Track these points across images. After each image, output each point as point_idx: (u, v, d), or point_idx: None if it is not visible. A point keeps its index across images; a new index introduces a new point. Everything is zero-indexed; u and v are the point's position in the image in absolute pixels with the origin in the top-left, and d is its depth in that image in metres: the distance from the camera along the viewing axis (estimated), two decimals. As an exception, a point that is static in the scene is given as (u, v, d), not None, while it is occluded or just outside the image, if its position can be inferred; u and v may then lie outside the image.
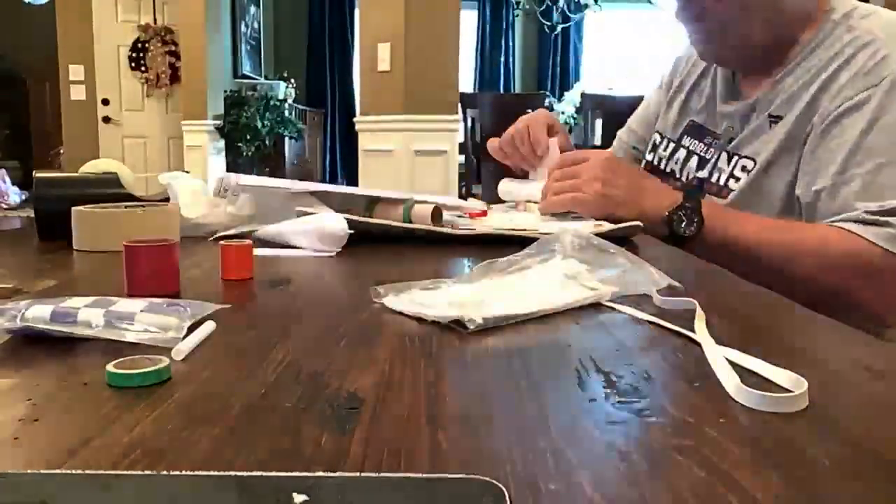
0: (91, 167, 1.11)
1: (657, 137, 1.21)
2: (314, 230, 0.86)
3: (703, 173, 1.07)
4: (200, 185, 0.99)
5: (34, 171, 0.97)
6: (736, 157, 1.03)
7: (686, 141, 1.14)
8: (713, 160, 1.07)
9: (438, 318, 0.51)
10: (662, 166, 1.17)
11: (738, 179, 1.01)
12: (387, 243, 0.90)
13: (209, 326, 0.49)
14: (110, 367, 0.40)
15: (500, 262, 0.66)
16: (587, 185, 0.96)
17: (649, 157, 1.22)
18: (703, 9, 1.00)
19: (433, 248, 0.87)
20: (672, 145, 1.17)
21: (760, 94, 1.02)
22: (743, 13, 0.98)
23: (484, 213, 1.09)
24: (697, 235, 0.89)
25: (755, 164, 0.99)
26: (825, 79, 0.94)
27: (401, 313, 0.54)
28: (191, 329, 0.49)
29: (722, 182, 1.04)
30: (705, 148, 1.10)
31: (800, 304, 0.82)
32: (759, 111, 1.02)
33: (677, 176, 1.13)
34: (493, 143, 1.27)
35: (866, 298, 0.85)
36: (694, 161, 1.11)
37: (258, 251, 0.74)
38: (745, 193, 1.00)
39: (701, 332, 0.49)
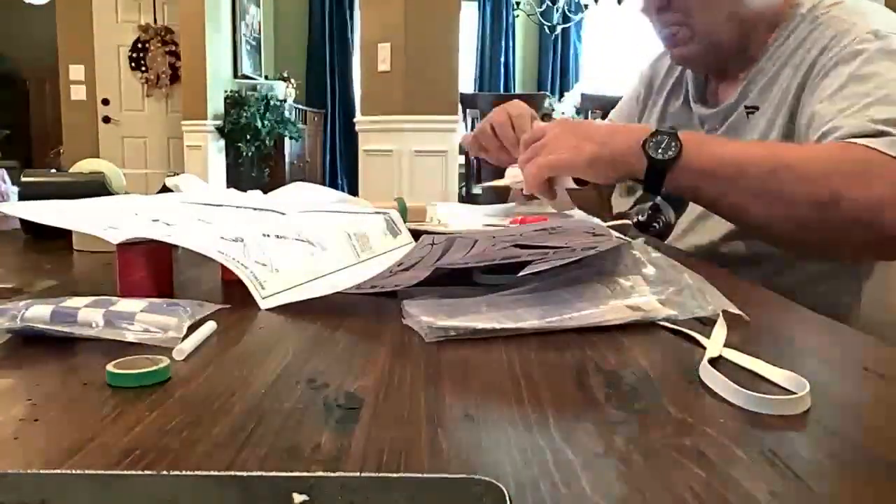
0: (81, 167, 1.11)
1: None
2: None
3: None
4: (206, 186, 0.99)
5: (23, 172, 0.98)
6: None
7: None
8: None
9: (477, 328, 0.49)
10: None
11: None
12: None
13: (210, 326, 0.49)
14: (110, 367, 0.40)
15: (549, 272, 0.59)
16: (557, 143, 0.90)
17: None
18: (669, 3, 1.00)
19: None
20: None
21: (736, 93, 1.03)
22: (707, 3, 0.99)
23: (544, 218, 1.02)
24: (678, 161, 0.82)
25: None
26: (796, 64, 0.95)
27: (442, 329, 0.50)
28: (191, 329, 0.49)
29: None
30: None
31: (782, 225, 0.80)
32: (736, 107, 1.03)
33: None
34: (466, 139, 1.25)
35: (855, 197, 0.77)
36: None
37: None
38: None
39: (715, 342, 0.47)
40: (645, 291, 0.57)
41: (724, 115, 1.05)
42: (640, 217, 1.10)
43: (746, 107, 1.01)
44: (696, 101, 1.12)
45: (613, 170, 0.87)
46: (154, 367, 0.40)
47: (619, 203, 1.19)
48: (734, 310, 0.54)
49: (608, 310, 0.53)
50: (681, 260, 0.63)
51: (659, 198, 1.06)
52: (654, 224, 1.07)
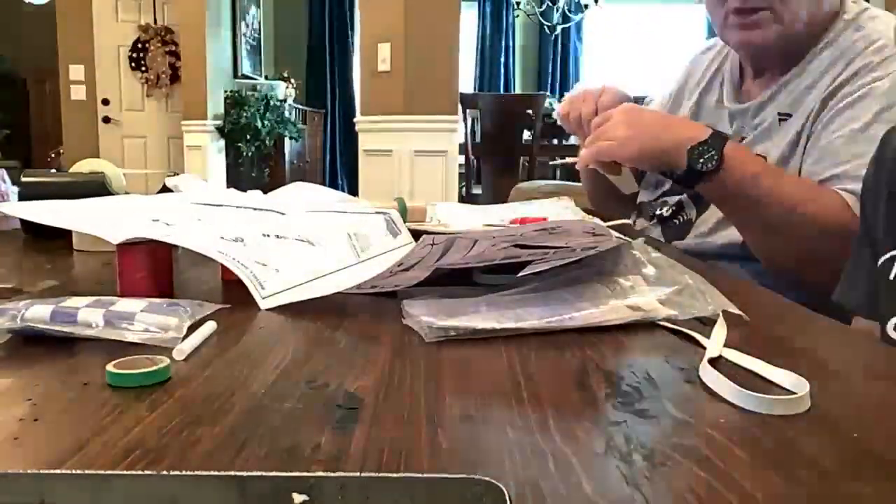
0: (81, 167, 1.11)
1: None
2: None
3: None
4: (206, 186, 0.99)
5: (23, 172, 0.98)
6: None
7: None
8: None
9: (479, 327, 0.49)
10: None
11: None
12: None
13: (210, 326, 0.49)
14: (110, 367, 0.40)
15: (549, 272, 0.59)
16: (614, 131, 0.96)
17: None
18: None
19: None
20: None
21: (769, 93, 1.03)
22: None
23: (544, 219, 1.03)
24: (714, 174, 0.88)
25: (765, 160, 0.99)
26: (833, 76, 0.95)
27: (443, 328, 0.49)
28: (191, 329, 0.49)
29: None
30: None
31: (795, 258, 0.85)
32: (767, 110, 1.03)
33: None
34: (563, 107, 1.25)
35: (831, 257, 0.84)
36: None
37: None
38: None
39: (714, 342, 0.47)
40: (645, 291, 0.57)
41: (752, 114, 1.05)
42: (663, 211, 1.11)
43: (780, 114, 1.00)
44: (730, 97, 1.12)
45: (656, 162, 0.95)
46: (154, 368, 0.40)
47: (644, 194, 1.19)
48: (734, 310, 0.54)
49: (608, 310, 0.53)
50: (681, 260, 0.63)
51: (685, 195, 1.07)
52: (676, 220, 1.08)
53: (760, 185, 0.89)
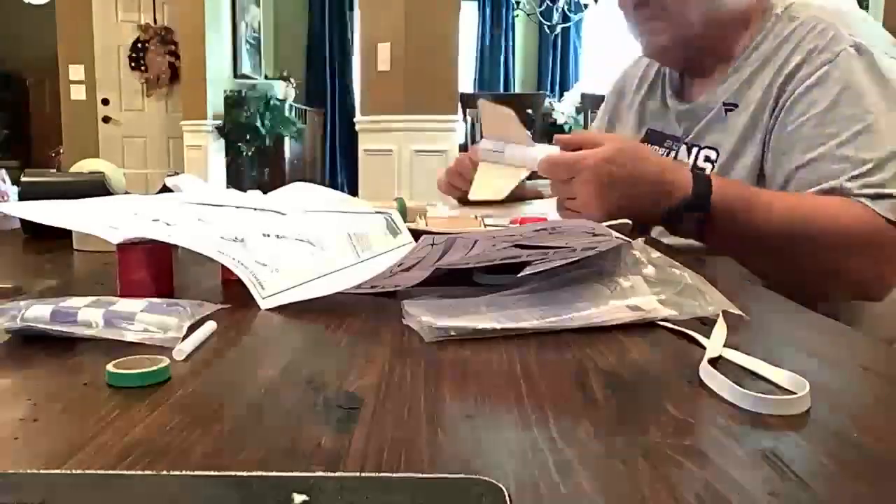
0: (81, 167, 1.11)
1: None
2: None
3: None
4: (206, 185, 0.99)
5: (23, 172, 0.98)
6: (696, 149, 1.05)
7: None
8: (673, 156, 1.09)
9: (476, 328, 0.49)
10: None
11: (703, 170, 1.03)
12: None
13: (210, 326, 0.49)
14: (110, 367, 0.40)
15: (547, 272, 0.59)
16: (585, 199, 0.86)
17: None
18: None
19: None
20: None
21: (712, 91, 1.05)
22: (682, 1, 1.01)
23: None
24: (701, 232, 0.89)
25: (718, 153, 1.02)
26: (779, 64, 0.96)
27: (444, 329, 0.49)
28: (191, 329, 0.49)
29: None
30: (666, 151, 1.12)
31: (792, 282, 0.83)
32: (712, 103, 1.04)
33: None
34: (440, 182, 1.24)
35: (862, 268, 0.87)
36: None
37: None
38: None
39: (714, 342, 0.47)
40: (645, 291, 0.57)
41: (700, 113, 1.06)
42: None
43: (725, 104, 1.02)
44: (673, 97, 1.14)
45: (641, 221, 0.90)
46: (154, 367, 0.40)
47: None
48: (734, 310, 0.54)
49: (608, 310, 0.53)
50: (681, 260, 0.63)
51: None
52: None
53: (762, 231, 0.87)
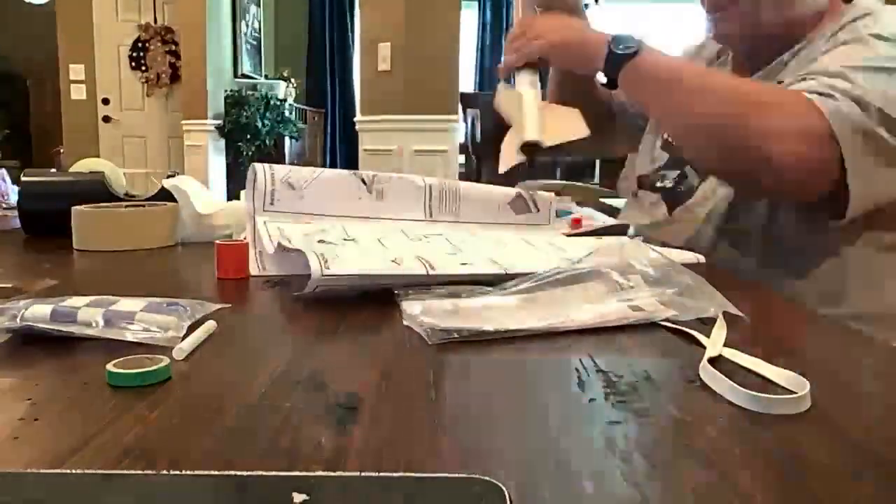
0: (81, 166, 1.11)
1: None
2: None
3: None
4: (202, 186, 0.99)
5: (23, 172, 0.98)
6: None
7: None
8: None
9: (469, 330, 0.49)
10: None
11: None
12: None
13: (210, 326, 0.49)
14: (110, 367, 0.40)
15: (547, 274, 0.59)
16: (542, 26, 1.00)
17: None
18: None
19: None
20: None
21: (769, 70, 1.05)
22: None
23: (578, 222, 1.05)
24: (631, 59, 0.92)
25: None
26: (823, 52, 0.96)
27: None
28: (191, 329, 0.49)
29: None
30: None
31: (696, 138, 0.88)
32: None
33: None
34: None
35: (753, 124, 0.84)
36: None
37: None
38: None
39: (714, 342, 0.47)
40: (646, 292, 0.57)
41: None
42: (665, 183, 1.11)
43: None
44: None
45: (576, 54, 0.98)
46: (154, 367, 0.40)
47: (642, 167, 1.20)
48: (734, 311, 0.54)
49: (609, 311, 0.53)
50: (681, 261, 0.63)
51: (687, 167, 1.07)
52: (679, 188, 1.09)
53: (684, 71, 0.93)
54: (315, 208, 0.76)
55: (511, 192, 0.93)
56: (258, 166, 0.76)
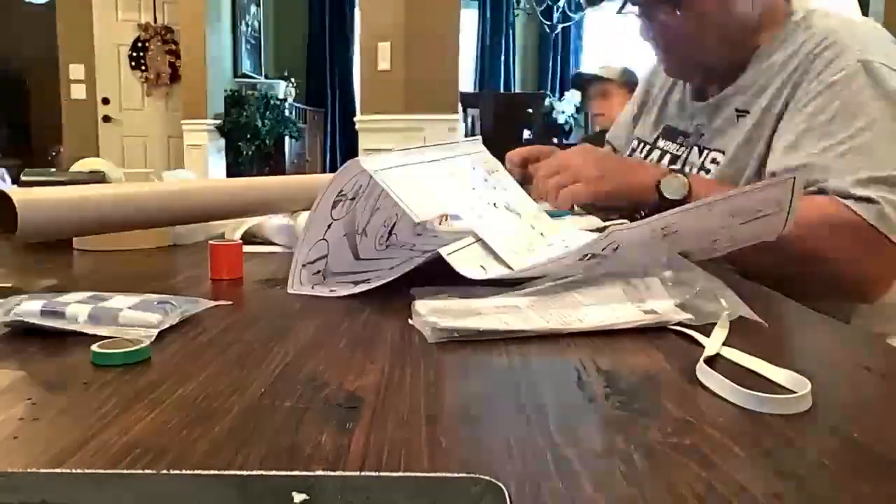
0: (81, 166, 1.11)
1: (635, 143, 1.28)
2: (287, 226, 0.87)
3: (676, 167, 1.13)
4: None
5: (23, 171, 0.98)
6: (706, 151, 1.08)
7: (661, 143, 1.21)
8: (684, 156, 1.13)
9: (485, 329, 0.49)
10: None
11: (708, 171, 1.06)
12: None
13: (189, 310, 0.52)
14: (94, 348, 0.43)
15: (564, 275, 0.59)
16: (581, 172, 0.97)
17: None
18: (662, 26, 1.06)
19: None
20: (647, 147, 1.24)
21: (726, 91, 1.07)
22: (697, 31, 1.04)
23: None
24: (686, 200, 0.91)
25: (724, 155, 1.04)
26: (788, 73, 0.98)
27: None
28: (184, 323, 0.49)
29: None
30: (678, 147, 1.16)
31: (773, 270, 0.83)
32: (725, 107, 1.07)
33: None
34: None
35: (844, 265, 0.86)
36: (667, 159, 1.17)
37: (246, 248, 0.74)
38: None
39: (713, 342, 0.47)
40: (662, 295, 0.55)
41: (711, 111, 1.09)
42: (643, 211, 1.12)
43: (738, 110, 1.04)
44: (691, 96, 1.18)
45: (625, 200, 0.99)
46: (135, 348, 0.43)
47: None
48: (752, 315, 0.52)
49: (620, 314, 0.52)
50: (700, 264, 0.61)
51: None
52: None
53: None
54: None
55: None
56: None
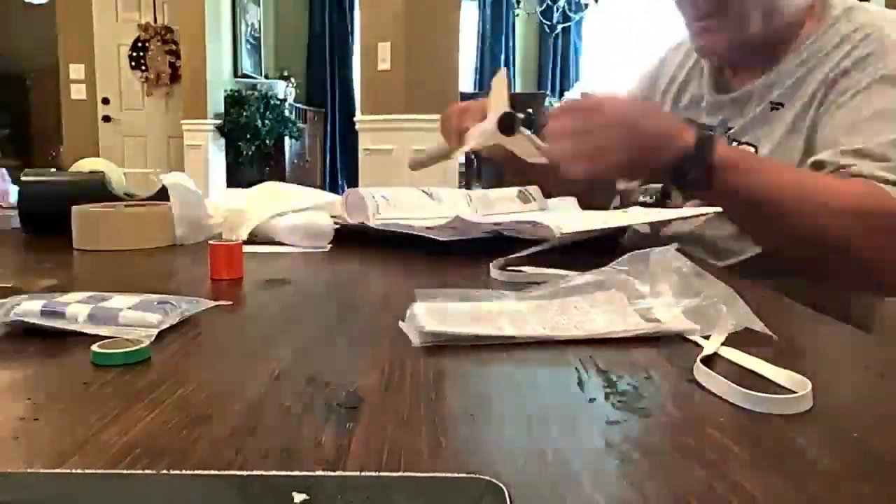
0: (81, 166, 1.11)
1: None
2: (302, 226, 0.86)
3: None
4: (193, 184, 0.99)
5: (23, 171, 0.98)
6: (735, 143, 1.03)
7: None
8: None
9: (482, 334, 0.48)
10: None
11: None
12: (387, 241, 0.89)
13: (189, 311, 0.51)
14: (94, 348, 0.42)
15: (568, 280, 0.58)
16: (608, 142, 0.86)
17: None
18: None
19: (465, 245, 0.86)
20: None
21: (758, 83, 1.03)
22: (742, 3, 1.00)
23: None
24: (708, 188, 0.85)
25: (756, 150, 1.00)
26: (830, 66, 0.95)
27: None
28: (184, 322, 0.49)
29: None
30: None
31: (799, 255, 0.84)
32: (757, 100, 1.03)
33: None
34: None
35: (875, 251, 0.83)
36: None
37: (246, 248, 0.74)
38: None
39: (712, 342, 0.47)
40: (669, 302, 0.54)
41: (742, 103, 1.05)
42: (646, 198, 1.11)
43: (773, 102, 1.00)
44: (711, 88, 1.12)
45: (647, 176, 0.99)
46: (135, 348, 0.43)
47: (624, 181, 1.18)
48: (760, 327, 0.50)
49: (623, 322, 0.51)
50: (711, 271, 0.60)
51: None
52: (663, 203, 1.08)
53: (764, 183, 0.85)
54: (408, 211, 0.96)
55: (512, 191, 1.08)
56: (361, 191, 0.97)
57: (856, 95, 0.91)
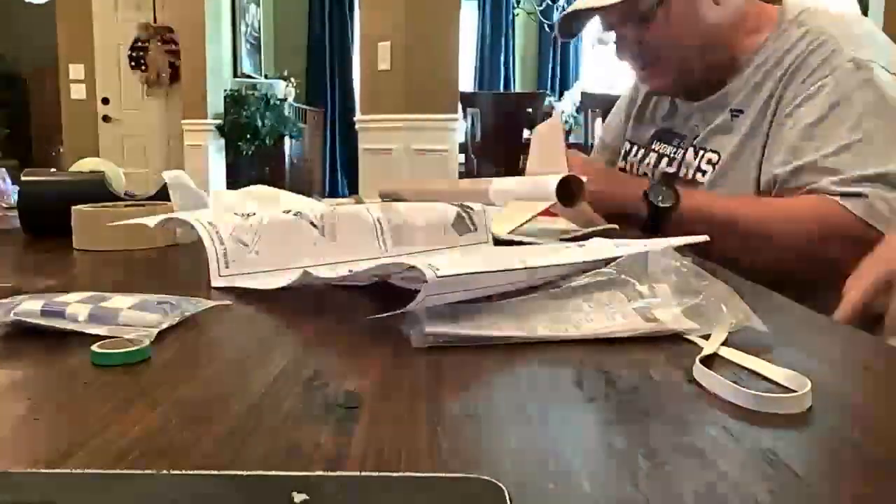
0: (81, 166, 1.11)
1: (627, 146, 1.28)
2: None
3: (671, 169, 1.14)
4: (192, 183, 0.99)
5: (23, 171, 0.99)
6: (702, 152, 1.09)
7: (655, 145, 1.21)
8: (680, 158, 1.13)
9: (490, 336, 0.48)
10: (634, 170, 1.25)
11: (704, 172, 1.07)
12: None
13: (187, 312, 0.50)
14: (94, 348, 0.42)
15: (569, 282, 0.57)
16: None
17: (621, 163, 1.29)
18: (637, 43, 1.07)
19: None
20: (642, 151, 1.24)
21: (720, 92, 1.08)
22: (675, 41, 1.05)
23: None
24: (675, 208, 0.93)
25: (720, 156, 1.05)
26: (781, 73, 0.99)
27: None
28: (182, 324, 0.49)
29: (690, 176, 1.10)
30: (674, 149, 1.16)
31: (771, 270, 0.85)
32: (720, 106, 1.07)
33: (650, 177, 1.20)
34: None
35: (837, 259, 0.85)
36: (664, 162, 1.17)
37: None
38: (712, 185, 1.05)
39: (712, 342, 0.47)
40: (668, 302, 0.54)
41: (708, 111, 1.09)
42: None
43: (732, 110, 1.05)
44: (685, 97, 1.17)
45: (620, 214, 0.99)
46: (135, 348, 0.43)
47: None
48: (759, 325, 0.50)
49: (623, 322, 0.51)
50: (710, 270, 0.60)
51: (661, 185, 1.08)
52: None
53: (721, 202, 0.95)
54: (272, 264, 0.68)
55: (451, 212, 0.80)
56: (200, 228, 0.69)
57: (805, 101, 0.95)
